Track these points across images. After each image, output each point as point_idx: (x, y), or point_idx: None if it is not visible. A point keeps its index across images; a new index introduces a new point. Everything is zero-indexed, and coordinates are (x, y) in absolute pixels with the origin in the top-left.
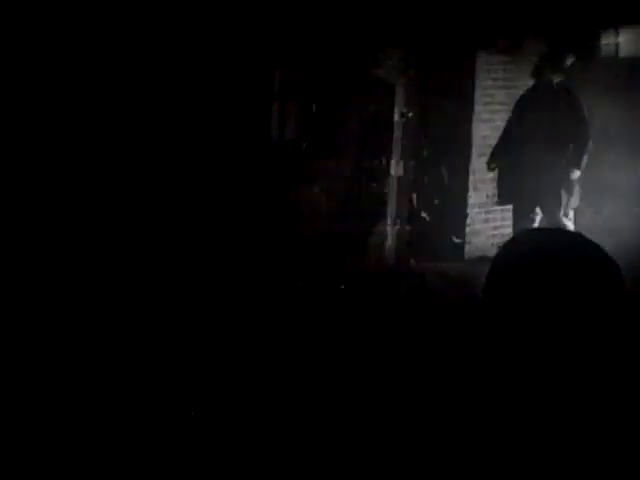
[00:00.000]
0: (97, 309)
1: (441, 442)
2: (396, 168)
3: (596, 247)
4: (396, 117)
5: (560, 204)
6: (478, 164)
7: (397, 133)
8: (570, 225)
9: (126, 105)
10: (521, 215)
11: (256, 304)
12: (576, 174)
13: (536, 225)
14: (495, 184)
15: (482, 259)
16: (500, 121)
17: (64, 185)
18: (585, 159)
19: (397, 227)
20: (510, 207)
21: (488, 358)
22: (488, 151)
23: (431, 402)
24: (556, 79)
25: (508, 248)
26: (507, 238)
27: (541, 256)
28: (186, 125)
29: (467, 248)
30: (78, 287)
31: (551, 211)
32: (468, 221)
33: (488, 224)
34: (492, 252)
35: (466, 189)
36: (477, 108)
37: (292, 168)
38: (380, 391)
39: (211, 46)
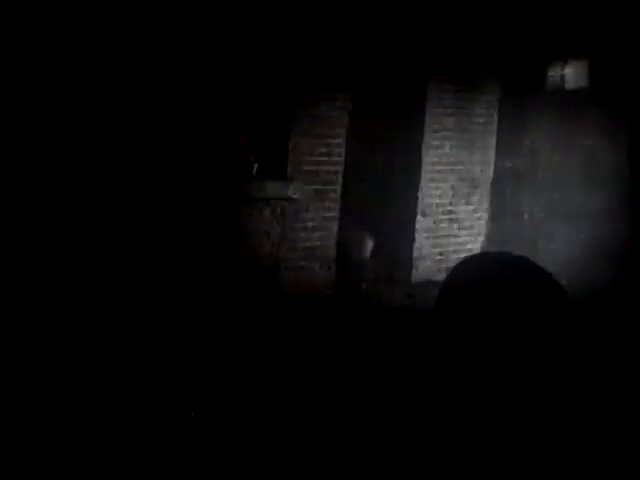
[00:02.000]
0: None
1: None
2: (343, 192)
3: (539, 268)
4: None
5: None
6: (427, 190)
7: (347, 158)
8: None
9: (84, 113)
10: None
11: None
12: None
13: None
14: (441, 210)
15: (428, 283)
16: (449, 148)
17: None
18: None
19: (345, 251)
20: (457, 232)
21: (439, 376)
22: (437, 177)
23: (385, 415)
24: None
25: (458, 270)
26: (453, 263)
27: (489, 277)
28: (133, 146)
29: (414, 273)
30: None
31: None
32: (416, 245)
33: (435, 249)
34: (438, 277)
35: (414, 214)
36: (427, 135)
37: (243, 189)
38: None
39: (167, 67)
